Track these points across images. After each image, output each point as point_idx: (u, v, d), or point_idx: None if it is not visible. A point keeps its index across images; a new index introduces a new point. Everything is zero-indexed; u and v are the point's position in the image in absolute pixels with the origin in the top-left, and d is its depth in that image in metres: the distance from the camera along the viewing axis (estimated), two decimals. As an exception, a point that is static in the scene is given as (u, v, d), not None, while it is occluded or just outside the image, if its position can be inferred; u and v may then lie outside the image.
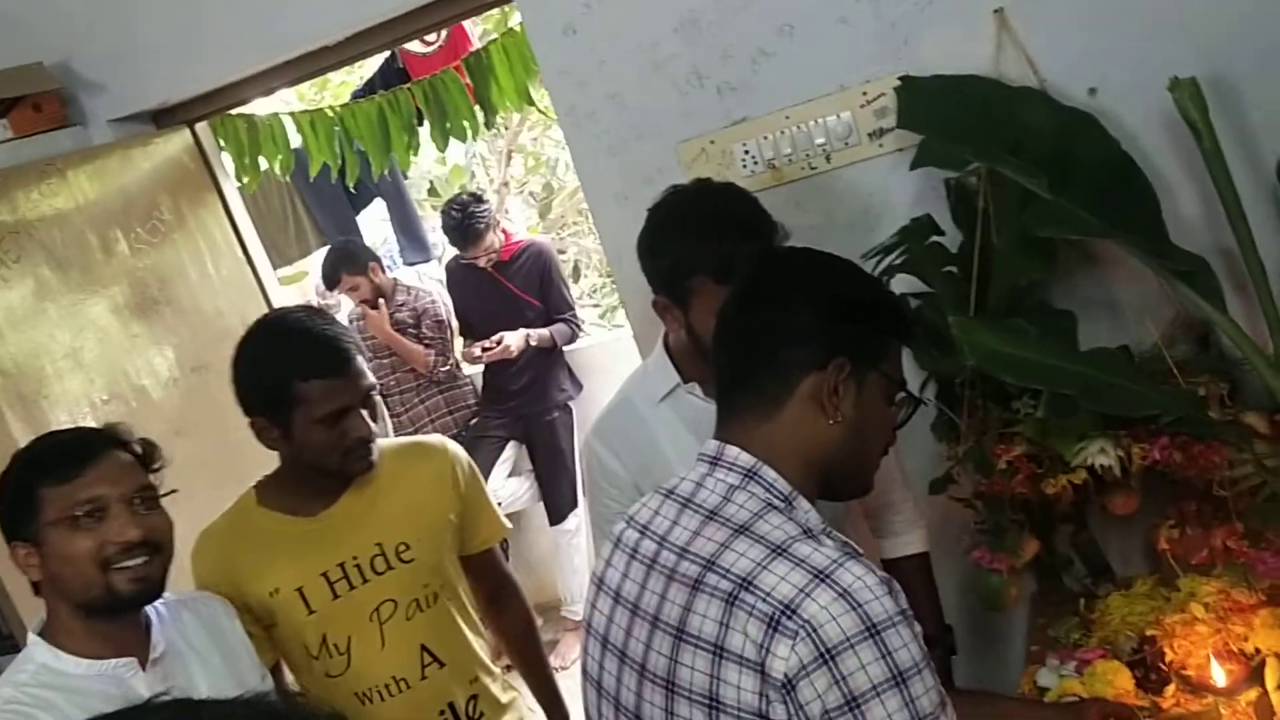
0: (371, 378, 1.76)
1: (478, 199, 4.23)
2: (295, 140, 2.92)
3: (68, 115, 2.61)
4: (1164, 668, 1.64)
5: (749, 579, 1.11)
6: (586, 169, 2.32)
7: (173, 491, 1.60)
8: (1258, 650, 1.57)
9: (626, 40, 2.16)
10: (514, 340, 4.10)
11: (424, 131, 2.86)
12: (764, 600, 1.08)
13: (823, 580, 1.08)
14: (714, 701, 1.10)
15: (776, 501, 1.19)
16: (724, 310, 1.34)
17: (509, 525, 2.05)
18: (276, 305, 2.92)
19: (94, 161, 2.55)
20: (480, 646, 1.92)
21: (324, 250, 4.96)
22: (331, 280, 4.43)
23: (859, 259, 1.67)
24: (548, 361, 4.24)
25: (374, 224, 5.64)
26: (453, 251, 4.46)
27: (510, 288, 4.22)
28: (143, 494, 1.55)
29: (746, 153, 2.15)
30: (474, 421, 4.35)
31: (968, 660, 1.97)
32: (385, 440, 1.83)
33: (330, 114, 2.84)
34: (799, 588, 1.08)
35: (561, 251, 6.59)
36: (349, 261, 4.38)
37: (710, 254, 1.56)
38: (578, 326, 4.36)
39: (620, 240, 2.33)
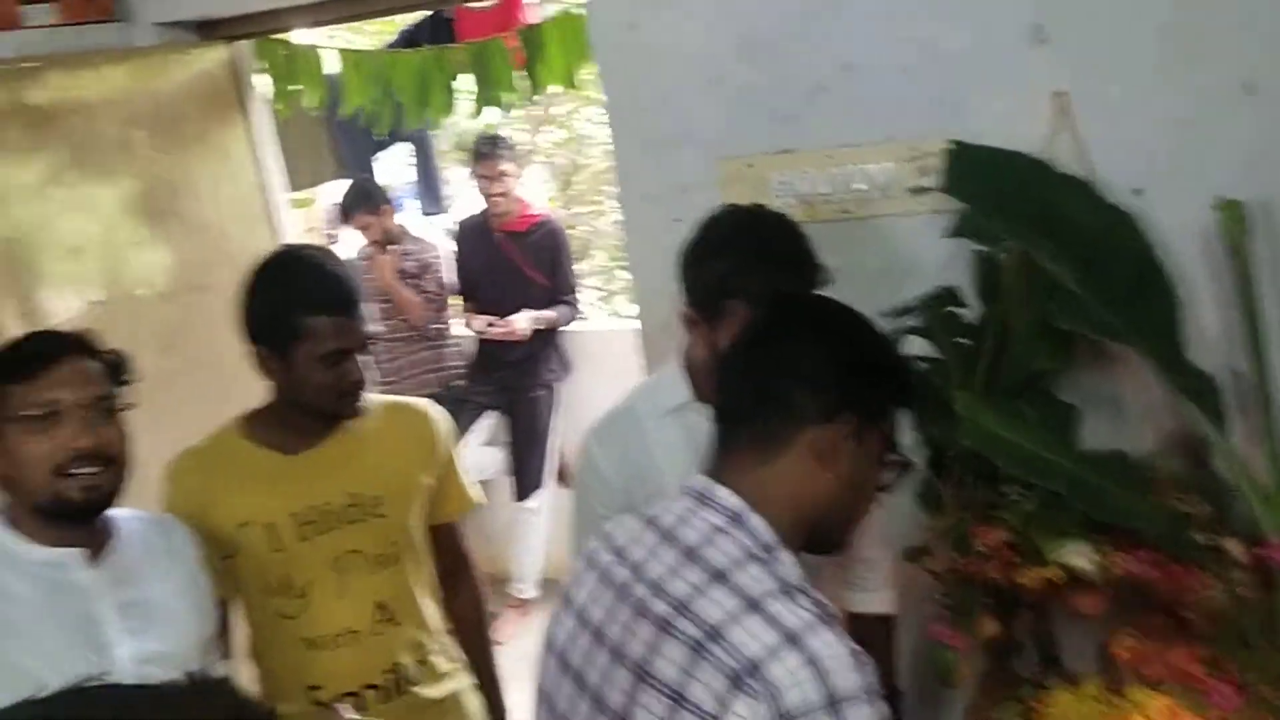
0: (371, 328, 1.77)
1: (502, 137, 4.28)
2: (331, 73, 2.90)
3: (115, 10, 2.57)
4: (1099, 773, 1.64)
5: (719, 630, 1.09)
6: (624, 164, 2.30)
7: (131, 406, 1.58)
8: (1195, 776, 1.58)
9: (687, 48, 2.14)
10: (522, 323, 4.12)
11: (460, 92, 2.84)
12: (731, 655, 1.07)
13: (793, 643, 1.07)
14: None
15: (758, 551, 1.17)
16: (738, 341, 1.33)
17: (481, 500, 2.05)
18: (283, 235, 2.89)
19: (132, 60, 2.52)
20: (432, 614, 1.92)
21: (337, 182, 4.94)
22: (347, 215, 4.40)
23: (879, 315, 1.66)
24: (542, 340, 4.23)
25: (394, 166, 5.60)
26: (468, 210, 4.45)
27: (519, 261, 4.21)
28: (101, 403, 1.54)
29: (783, 183, 2.13)
30: (457, 383, 4.34)
31: (908, 727, 1.97)
32: (373, 395, 1.83)
33: (375, 58, 2.81)
34: (768, 647, 1.07)
35: (571, 227, 6.58)
36: (366, 199, 4.36)
37: (754, 282, 1.55)
38: (578, 310, 4.36)
39: (643, 241, 2.32)
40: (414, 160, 5.14)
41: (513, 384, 4.22)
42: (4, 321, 2.23)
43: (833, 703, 1.05)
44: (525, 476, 4.24)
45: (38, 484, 1.50)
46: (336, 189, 5.17)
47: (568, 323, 4.29)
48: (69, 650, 1.52)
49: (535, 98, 2.97)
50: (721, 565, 1.15)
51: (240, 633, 1.88)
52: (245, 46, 2.73)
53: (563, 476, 4.43)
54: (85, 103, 2.42)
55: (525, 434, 4.25)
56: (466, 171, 5.14)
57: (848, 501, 1.26)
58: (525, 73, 2.68)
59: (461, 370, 4.38)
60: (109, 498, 1.56)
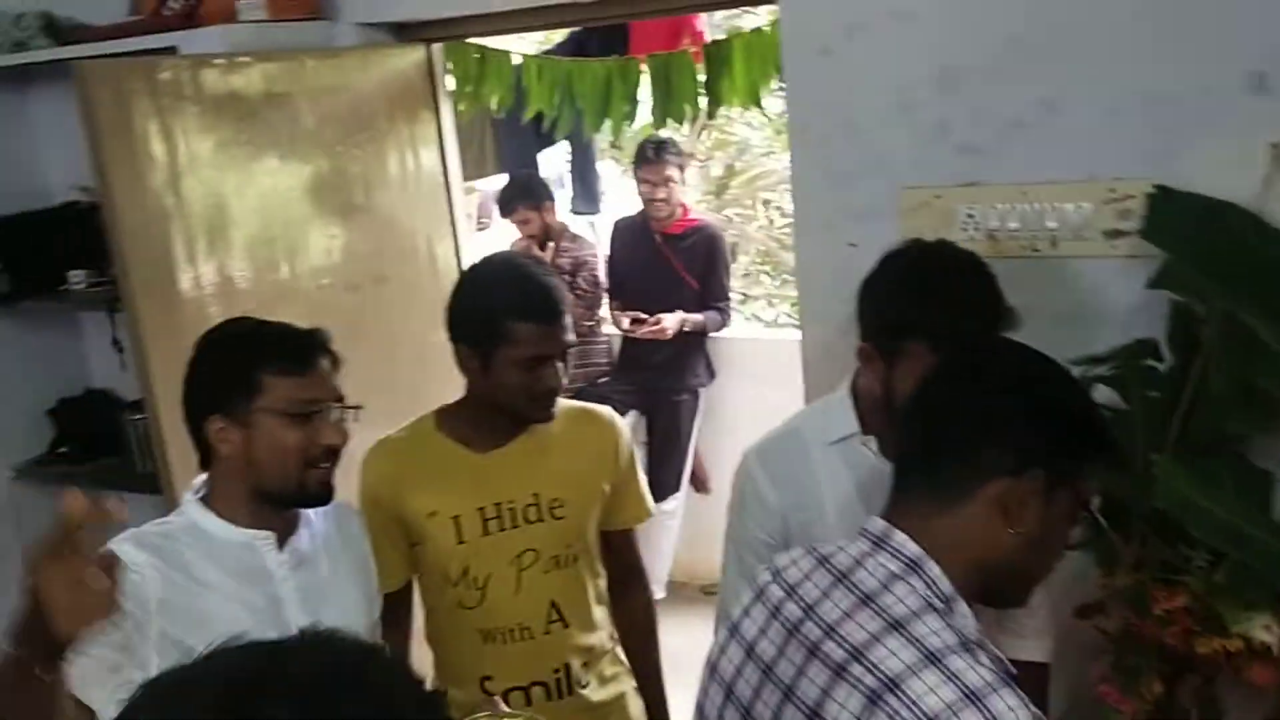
0: (572, 336, 1.81)
1: (674, 140, 4.27)
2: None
3: (321, 9, 2.69)
4: None
5: (897, 681, 1.08)
6: (802, 189, 2.30)
7: (360, 406, 1.66)
8: None
9: (880, 75, 2.13)
10: (671, 324, 4.11)
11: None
12: (909, 709, 1.07)
13: (974, 702, 1.06)
14: None
15: (936, 602, 1.16)
16: (927, 383, 1.31)
17: (654, 510, 2.08)
18: (461, 231, 2.98)
19: (336, 59, 2.63)
20: (602, 619, 1.97)
21: (497, 176, 5.06)
22: (507, 208, 4.50)
23: (1068, 362, 1.62)
24: (689, 344, 4.23)
25: (552, 163, 5.69)
26: (623, 210, 4.49)
27: (674, 263, 4.22)
28: (341, 403, 1.62)
29: (970, 216, 2.10)
30: (601, 381, 4.39)
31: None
32: (561, 400, 1.88)
33: (559, 65, 2.86)
34: (948, 704, 1.06)
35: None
36: (528, 194, 4.44)
37: (938, 325, 1.52)
38: (728, 317, 4.35)
39: (815, 263, 2.31)
40: (570, 158, 5.21)
41: (656, 386, 4.24)
42: (205, 300, 2.35)
43: None
44: (662, 479, 4.24)
45: (284, 473, 1.57)
46: (496, 181, 5.30)
47: (717, 329, 4.28)
48: (256, 632, 1.60)
49: (715, 114, 2.98)
50: (899, 614, 1.14)
51: (418, 617, 1.97)
52: (438, 49, 2.82)
53: (696, 482, 4.45)
54: (288, 96, 2.53)
55: (665, 437, 4.28)
56: (623, 170, 5.21)
57: (1030, 559, 1.22)
58: (705, 88, 2.69)
59: (605, 368, 4.43)
60: (334, 491, 1.65)
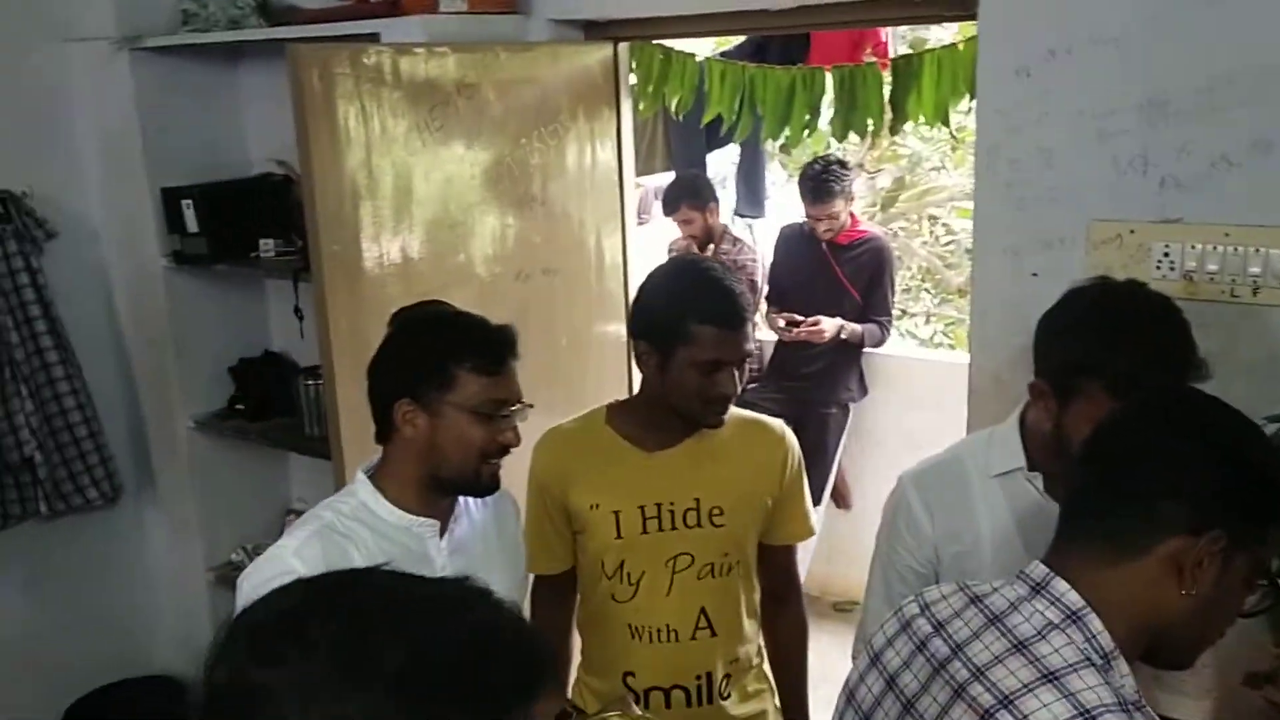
0: (751, 346, 1.82)
1: (843, 164, 4.22)
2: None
3: (516, 3, 2.76)
4: None
5: (981, 671, 1.09)
6: (985, 212, 2.24)
7: (529, 405, 1.70)
8: None
9: (1080, 101, 2.05)
10: (830, 327, 4.06)
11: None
12: (986, 691, 1.07)
13: (1051, 680, 1.05)
14: None
15: (1095, 657, 1.11)
16: (1105, 429, 1.25)
17: (815, 530, 2.07)
18: (632, 228, 3.02)
19: (527, 53, 2.70)
20: (752, 632, 1.96)
21: (665, 173, 5.10)
22: (671, 206, 4.53)
23: (1259, 418, 1.54)
24: (845, 357, 4.18)
25: (719, 164, 5.70)
26: (788, 217, 4.46)
27: (838, 273, 4.17)
28: (521, 403, 1.68)
29: (1166, 254, 2.01)
30: (750, 387, 4.37)
31: None
32: (735, 409, 1.89)
33: (742, 70, 2.86)
34: (1023, 685, 1.05)
35: (883, 243, 6.47)
36: (693, 194, 4.47)
37: (1119, 369, 1.47)
38: (889, 332, 4.28)
39: (992, 293, 2.25)
40: (740, 161, 5.20)
41: (806, 397, 4.19)
42: (385, 278, 2.44)
43: None
44: None
45: (463, 465, 1.64)
46: (659, 179, 5.34)
47: (875, 344, 4.21)
48: None
49: (899, 129, 2.93)
50: (1054, 666, 1.10)
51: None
52: (624, 48, 2.86)
53: (837, 497, 4.39)
54: (478, 86, 2.60)
55: (810, 450, 4.18)
56: (789, 176, 5.16)
57: (1200, 622, 1.17)
58: (890, 102, 2.64)
59: (754, 374, 4.41)
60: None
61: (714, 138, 4.91)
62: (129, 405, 3.44)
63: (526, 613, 1.94)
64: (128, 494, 3.41)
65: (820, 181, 4.08)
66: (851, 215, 4.22)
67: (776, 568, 2.02)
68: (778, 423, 2.00)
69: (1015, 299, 2.18)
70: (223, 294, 3.36)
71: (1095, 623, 1.13)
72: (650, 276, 1.88)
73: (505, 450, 1.66)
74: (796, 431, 4.16)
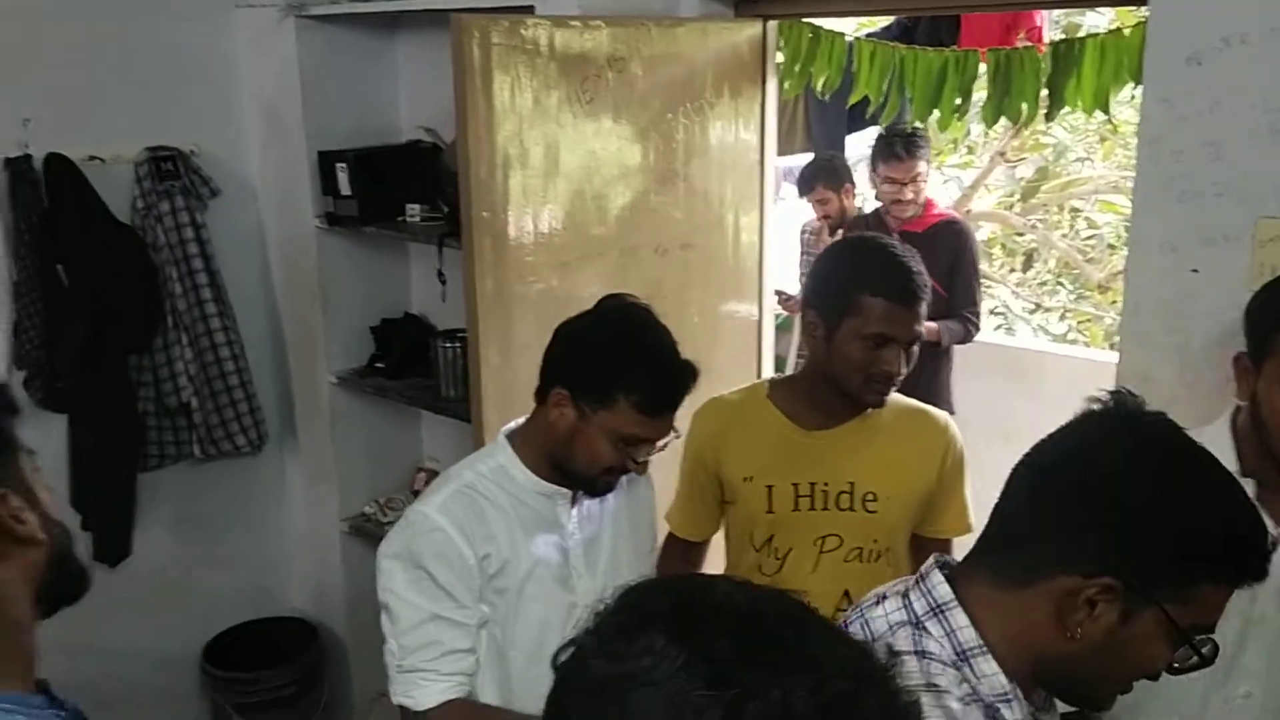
0: (922, 329, 1.80)
1: (918, 131, 3.88)
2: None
3: (669, -21, 2.78)
4: None
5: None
6: (1143, 204, 2.17)
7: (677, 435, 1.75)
8: None
9: (1254, 92, 1.96)
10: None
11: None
12: None
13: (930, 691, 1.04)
14: None
15: (947, 648, 1.10)
16: (1053, 434, 1.14)
17: (973, 526, 2.00)
18: (768, 209, 3.01)
19: (680, 29, 2.71)
20: None
21: (803, 154, 5.05)
22: (807, 186, 4.50)
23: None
24: (937, 362, 3.74)
25: (858, 148, 5.63)
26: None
27: None
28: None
29: (1339, 257, 1.91)
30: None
31: None
32: (899, 396, 1.88)
33: (893, 51, 2.83)
34: None
35: (1020, 234, 6.30)
36: (830, 175, 4.42)
37: None
38: (975, 327, 3.84)
39: (1147, 287, 2.18)
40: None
41: None
42: (526, 247, 2.49)
43: None
44: None
45: (586, 470, 1.68)
46: (794, 159, 5.30)
47: (958, 341, 3.78)
48: (545, 577, 1.73)
49: (1055, 115, 2.85)
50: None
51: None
52: (773, 26, 2.85)
53: None
54: (627, 60, 2.63)
55: None
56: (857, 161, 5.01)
57: (1092, 670, 1.08)
58: (1047, 87, 2.57)
59: None
60: None
61: (855, 120, 4.85)
62: (277, 359, 3.60)
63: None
64: (271, 443, 3.58)
65: (905, 137, 3.76)
66: (928, 200, 3.91)
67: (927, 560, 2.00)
68: (941, 413, 1.97)
69: (1172, 295, 2.11)
70: (369, 256, 3.48)
71: (959, 618, 1.09)
72: (830, 248, 1.88)
73: (627, 471, 1.69)
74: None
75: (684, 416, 1.83)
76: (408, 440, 3.71)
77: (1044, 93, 2.60)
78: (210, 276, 3.25)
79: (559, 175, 2.53)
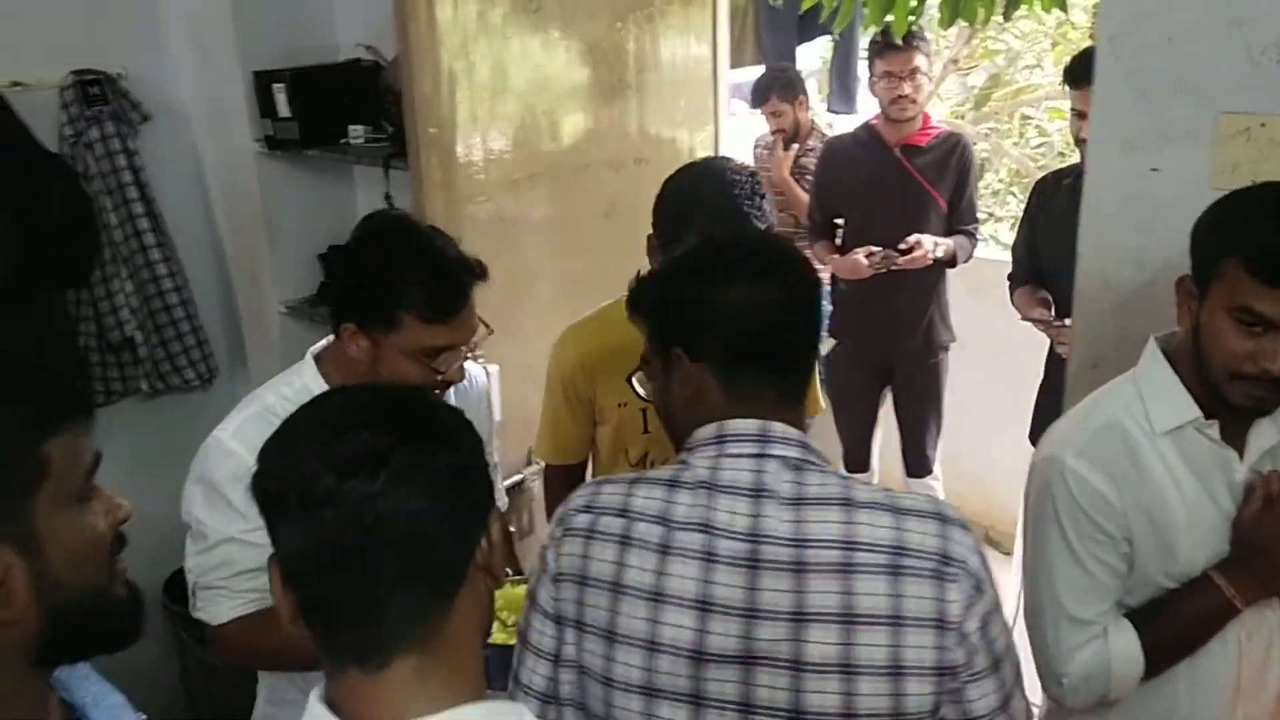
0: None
1: (922, 30, 3.59)
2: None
3: (613, -118, 2.67)
4: None
5: (900, 545, 1.18)
6: (1103, 104, 2.13)
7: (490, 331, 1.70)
8: None
9: (1213, -15, 1.93)
10: (928, 244, 3.40)
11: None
12: (922, 559, 1.18)
13: (945, 521, 1.21)
14: (896, 669, 1.16)
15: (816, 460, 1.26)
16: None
17: (825, 407, 2.07)
18: (724, 117, 2.95)
19: (623, -64, 2.62)
20: None
21: (753, 67, 4.97)
22: (761, 97, 4.40)
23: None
24: (939, 285, 3.56)
25: (810, 59, 5.55)
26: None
27: (919, 178, 3.50)
28: (470, 341, 1.65)
29: (1298, 150, 1.90)
30: (837, 347, 3.75)
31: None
32: None
33: (845, -48, 2.75)
34: (939, 535, 1.19)
35: (974, 143, 6.27)
36: (785, 86, 4.34)
37: (1257, 242, 1.38)
38: (976, 243, 3.67)
39: (1105, 186, 2.16)
40: (834, 55, 5.05)
41: (906, 348, 3.60)
42: (475, 166, 2.43)
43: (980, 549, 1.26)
44: (924, 451, 3.75)
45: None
46: (746, 73, 5.21)
47: (967, 259, 3.59)
48: None
49: (1011, 15, 2.80)
50: (835, 493, 1.25)
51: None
52: (723, -72, 2.76)
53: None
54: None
55: (921, 405, 3.69)
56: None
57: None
58: (1003, -13, 2.52)
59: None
60: None
61: (806, 32, 4.77)
62: (222, 290, 3.50)
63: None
64: (221, 376, 3.49)
65: (889, 38, 3.40)
66: (925, 115, 3.62)
67: None
68: None
69: (1131, 195, 2.09)
70: (312, 180, 3.37)
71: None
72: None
73: (447, 385, 1.65)
74: (900, 393, 3.81)
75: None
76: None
77: (1000, -8, 2.55)
78: (146, 205, 3.13)
79: (507, 90, 2.45)
